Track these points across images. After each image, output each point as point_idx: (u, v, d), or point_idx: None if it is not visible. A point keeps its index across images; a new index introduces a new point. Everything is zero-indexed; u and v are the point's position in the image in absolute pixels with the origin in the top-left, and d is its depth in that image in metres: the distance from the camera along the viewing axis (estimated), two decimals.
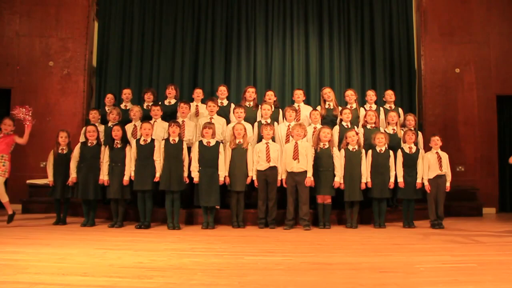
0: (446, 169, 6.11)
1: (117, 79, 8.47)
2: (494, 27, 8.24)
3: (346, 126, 6.37)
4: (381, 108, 6.93)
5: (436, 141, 6.13)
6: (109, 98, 7.07)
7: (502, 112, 8.29)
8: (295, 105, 6.79)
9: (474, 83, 8.17)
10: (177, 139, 5.88)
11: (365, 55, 8.66)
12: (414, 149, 6.16)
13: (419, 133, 6.83)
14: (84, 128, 6.37)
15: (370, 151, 6.03)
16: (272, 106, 6.62)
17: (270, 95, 6.81)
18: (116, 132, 5.94)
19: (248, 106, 6.69)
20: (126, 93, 7.18)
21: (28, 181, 7.52)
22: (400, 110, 7.07)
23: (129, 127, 6.39)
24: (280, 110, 6.71)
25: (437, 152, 6.06)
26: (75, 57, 8.10)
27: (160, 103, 6.86)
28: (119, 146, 5.93)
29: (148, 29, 8.65)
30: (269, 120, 6.34)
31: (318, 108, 6.80)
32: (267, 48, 8.66)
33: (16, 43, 8.10)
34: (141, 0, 8.70)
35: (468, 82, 8.17)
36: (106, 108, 6.95)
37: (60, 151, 6.21)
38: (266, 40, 8.68)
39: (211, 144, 5.82)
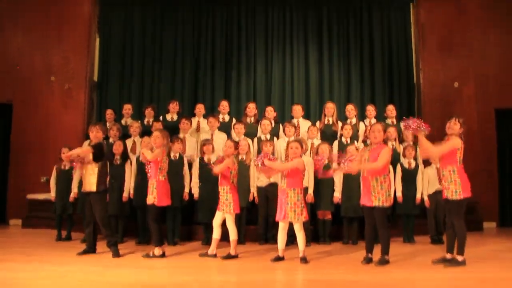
0: None
1: (118, 94, 8.49)
2: (492, 41, 8.28)
3: (345, 142, 6.37)
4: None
5: None
6: (109, 113, 7.08)
7: (501, 126, 8.30)
8: (294, 120, 6.80)
9: (473, 96, 8.21)
10: (178, 155, 5.90)
11: (364, 69, 8.69)
12: (413, 164, 6.18)
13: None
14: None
15: None
16: (272, 121, 6.65)
17: (269, 111, 6.82)
18: (117, 147, 5.95)
19: (249, 122, 6.72)
20: (127, 108, 7.21)
21: (28, 196, 7.51)
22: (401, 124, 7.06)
23: (128, 143, 6.40)
24: (280, 125, 6.72)
25: (437, 167, 6.06)
26: (76, 72, 8.15)
27: (161, 118, 6.90)
28: (118, 162, 5.94)
29: (148, 44, 8.69)
30: (268, 136, 6.35)
31: (317, 123, 6.81)
32: (267, 63, 8.71)
33: (18, 58, 8.16)
34: (142, 16, 8.74)
35: (466, 96, 8.22)
36: (107, 124, 6.95)
37: (62, 167, 6.25)
38: (266, 54, 8.73)
39: (212, 161, 5.80)
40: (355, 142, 6.43)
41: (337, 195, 5.92)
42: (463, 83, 8.26)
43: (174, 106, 6.97)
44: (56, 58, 8.19)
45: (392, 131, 6.49)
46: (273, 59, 8.70)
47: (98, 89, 8.56)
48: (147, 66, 8.61)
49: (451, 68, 8.27)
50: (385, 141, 4.90)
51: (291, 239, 5.46)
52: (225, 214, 4.96)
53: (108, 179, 5.25)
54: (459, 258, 4.37)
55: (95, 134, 5.08)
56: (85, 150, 5.08)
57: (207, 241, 5.72)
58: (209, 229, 5.74)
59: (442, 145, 4.52)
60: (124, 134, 6.61)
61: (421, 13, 8.50)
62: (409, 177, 6.11)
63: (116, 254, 4.91)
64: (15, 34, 8.23)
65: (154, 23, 8.75)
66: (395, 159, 6.25)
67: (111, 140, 6.31)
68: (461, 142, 4.52)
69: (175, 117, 6.92)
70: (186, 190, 5.89)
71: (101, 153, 5.00)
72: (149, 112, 7.00)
